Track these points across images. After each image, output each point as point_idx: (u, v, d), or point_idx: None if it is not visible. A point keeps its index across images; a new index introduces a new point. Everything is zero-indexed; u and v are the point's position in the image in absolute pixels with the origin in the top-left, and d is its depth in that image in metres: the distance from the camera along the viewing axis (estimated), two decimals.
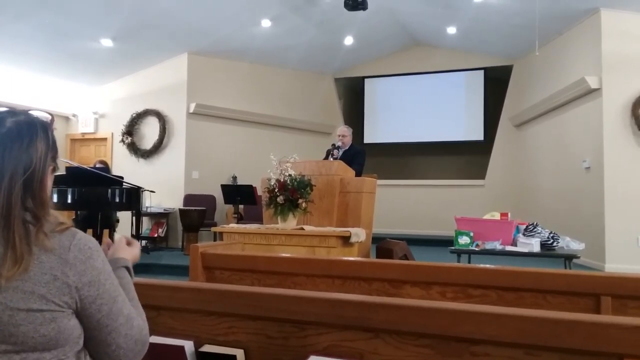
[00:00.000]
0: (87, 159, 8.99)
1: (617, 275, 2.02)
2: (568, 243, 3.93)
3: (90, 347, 1.09)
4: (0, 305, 0.98)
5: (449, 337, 1.29)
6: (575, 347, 1.17)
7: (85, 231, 1.12)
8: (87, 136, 9.32)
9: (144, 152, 8.62)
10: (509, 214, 4.25)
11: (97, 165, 7.37)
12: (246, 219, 7.55)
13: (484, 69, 9.67)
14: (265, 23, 7.72)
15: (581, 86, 6.64)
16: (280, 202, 4.00)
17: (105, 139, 9.18)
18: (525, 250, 3.83)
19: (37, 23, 6.71)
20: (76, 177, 6.66)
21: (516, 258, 4.32)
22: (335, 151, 5.37)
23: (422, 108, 10.08)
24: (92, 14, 6.72)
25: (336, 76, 10.49)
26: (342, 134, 5.54)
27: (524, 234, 3.98)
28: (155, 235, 8.19)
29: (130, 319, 1.11)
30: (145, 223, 8.12)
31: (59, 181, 6.45)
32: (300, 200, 4.01)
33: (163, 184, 8.23)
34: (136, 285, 1.25)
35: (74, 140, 9.48)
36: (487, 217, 4.26)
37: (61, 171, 6.81)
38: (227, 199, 7.27)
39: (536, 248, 3.83)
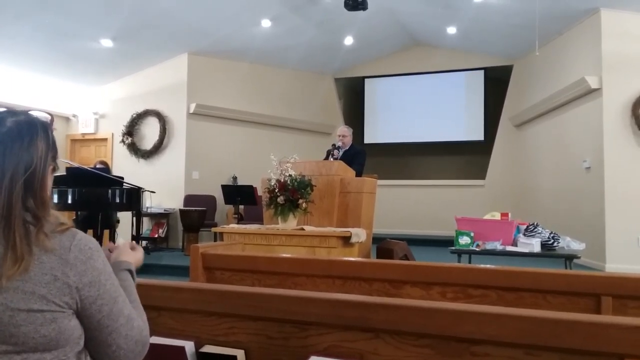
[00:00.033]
0: (88, 159, 8.99)
1: (617, 276, 2.02)
2: (568, 243, 3.93)
3: (91, 347, 1.09)
4: (0, 305, 0.98)
5: (449, 337, 1.29)
6: (576, 347, 1.17)
7: (85, 232, 1.12)
8: (87, 136, 9.32)
9: (144, 152, 8.62)
10: (510, 214, 4.25)
11: (98, 166, 7.37)
12: (246, 220, 7.55)
13: (484, 69, 9.67)
14: (265, 23, 7.72)
15: (581, 86, 6.64)
16: (281, 203, 4.00)
17: (105, 140, 9.18)
18: (525, 250, 3.83)
19: (36, 23, 6.71)
20: (76, 177, 6.66)
21: (516, 258, 4.33)
22: (336, 151, 5.37)
23: (423, 108, 10.08)
24: (92, 14, 6.72)
25: (336, 76, 10.50)
26: (342, 134, 5.54)
27: (524, 234, 3.98)
28: (156, 235, 8.19)
29: (130, 320, 1.11)
30: (146, 223, 8.12)
31: (59, 182, 6.45)
32: (300, 201, 4.01)
33: (163, 184, 8.23)
34: (137, 285, 1.25)
35: (74, 141, 9.49)
36: (487, 217, 4.26)
37: (61, 172, 6.81)
38: (228, 200, 7.27)
39: (536, 248, 3.83)
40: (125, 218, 7.53)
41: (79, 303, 1.04)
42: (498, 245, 3.89)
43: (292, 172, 4.09)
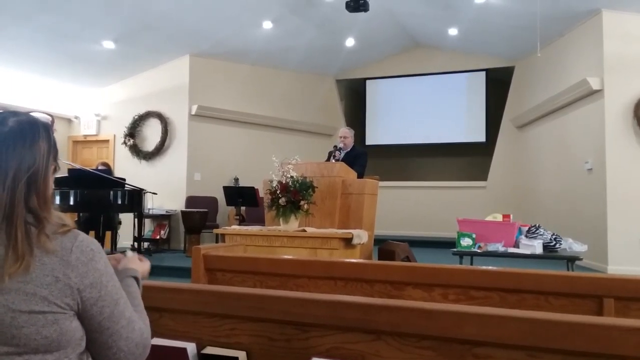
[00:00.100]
0: (89, 161, 9.01)
1: (619, 277, 2.02)
2: (570, 245, 3.92)
3: (92, 349, 1.09)
4: (2, 307, 0.98)
5: (451, 339, 1.29)
6: (578, 349, 1.17)
7: (87, 233, 1.12)
8: (89, 138, 9.34)
9: (146, 154, 8.63)
10: (511, 216, 4.25)
11: (100, 167, 7.39)
12: (248, 221, 7.55)
13: (486, 70, 9.67)
14: (267, 25, 7.73)
15: (583, 87, 6.63)
16: (282, 204, 4.00)
17: (107, 141, 9.20)
18: (527, 252, 3.82)
19: (37, 25, 6.73)
20: (78, 179, 6.67)
21: (518, 260, 4.32)
22: (337, 153, 5.37)
23: (424, 109, 10.08)
24: (93, 16, 6.74)
25: (337, 78, 10.50)
26: (344, 135, 5.54)
27: (526, 236, 3.97)
28: (157, 237, 8.20)
29: (131, 322, 1.11)
30: (148, 225, 8.13)
31: (61, 183, 6.46)
32: (302, 202, 4.01)
33: (165, 185, 8.24)
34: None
35: (76, 143, 9.50)
36: (489, 218, 4.25)
37: (63, 173, 6.83)
38: (229, 201, 7.27)
39: (538, 250, 3.82)
40: (127, 219, 7.54)
41: (80, 304, 1.04)
42: (500, 247, 3.89)
43: (294, 174, 4.09)
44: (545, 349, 1.20)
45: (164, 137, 8.49)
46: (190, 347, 1.52)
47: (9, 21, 6.53)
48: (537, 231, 3.96)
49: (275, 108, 9.46)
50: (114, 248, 7.25)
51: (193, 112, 8.42)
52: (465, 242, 3.99)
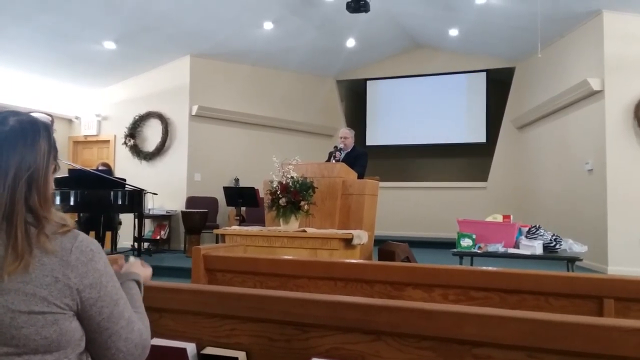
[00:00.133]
0: (90, 161, 9.01)
1: (620, 278, 2.01)
2: (571, 245, 3.92)
3: (91, 349, 1.09)
4: (2, 307, 0.98)
5: (451, 339, 1.29)
6: (578, 350, 1.17)
7: (87, 233, 1.12)
8: (89, 138, 9.34)
9: (146, 154, 8.64)
10: (511, 216, 4.24)
11: (100, 168, 7.39)
12: (248, 221, 7.55)
13: (486, 71, 9.67)
14: (267, 25, 7.74)
15: (583, 88, 6.63)
16: (283, 205, 4.00)
17: (107, 142, 9.20)
18: (527, 252, 3.82)
19: (38, 25, 6.73)
20: (79, 179, 6.68)
21: (518, 260, 4.32)
22: (338, 153, 5.37)
23: (424, 110, 10.08)
24: (94, 16, 6.74)
25: (338, 78, 10.50)
26: (344, 136, 5.54)
27: (526, 237, 3.97)
28: (158, 237, 8.20)
29: (131, 323, 1.11)
30: (148, 225, 8.14)
31: (61, 183, 6.47)
32: (302, 203, 4.01)
33: (165, 186, 8.24)
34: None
35: (76, 143, 9.51)
36: (489, 219, 4.25)
37: (64, 173, 6.83)
38: (229, 201, 7.28)
39: (539, 250, 3.82)
40: (127, 220, 7.54)
41: (79, 305, 1.04)
42: (500, 248, 3.89)
43: (294, 174, 4.09)
44: (545, 350, 1.20)
45: (165, 137, 8.49)
46: (190, 348, 1.53)
47: (9, 21, 6.53)
48: (537, 232, 3.96)
49: (276, 108, 9.47)
50: (114, 248, 7.26)
51: (193, 113, 8.43)
52: (466, 242, 3.99)
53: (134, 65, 8.48)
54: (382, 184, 5.39)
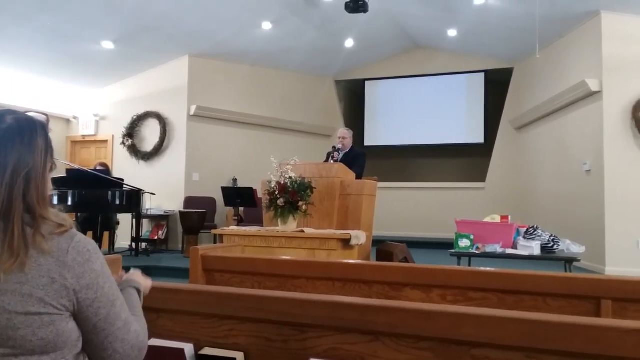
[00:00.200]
0: (88, 161, 9.00)
1: (617, 279, 2.02)
2: (568, 246, 3.92)
3: (88, 350, 1.09)
4: None
5: (449, 340, 1.29)
6: (576, 351, 1.17)
7: (85, 234, 1.12)
8: (87, 138, 9.33)
9: (144, 154, 8.63)
10: (509, 217, 4.25)
11: (98, 168, 7.38)
12: (246, 222, 7.55)
13: (485, 71, 9.67)
14: (266, 25, 7.74)
15: (582, 89, 6.64)
16: (281, 205, 4.00)
17: (105, 141, 9.19)
18: (525, 253, 3.83)
19: (37, 25, 6.72)
20: (77, 179, 6.67)
21: (516, 261, 4.32)
22: (336, 153, 5.37)
23: (423, 110, 10.08)
24: (93, 16, 6.73)
25: (337, 79, 10.51)
26: (343, 136, 5.54)
27: (524, 237, 3.98)
28: (156, 237, 8.19)
29: (127, 324, 1.11)
30: (146, 225, 8.12)
31: (59, 183, 6.46)
32: (300, 203, 4.01)
33: (163, 186, 8.23)
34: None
35: (74, 143, 9.49)
36: (487, 219, 4.26)
37: (62, 173, 6.82)
38: (228, 202, 7.27)
39: (537, 251, 3.82)
40: (125, 220, 7.53)
41: (76, 305, 1.04)
42: (498, 248, 3.89)
43: (292, 175, 4.09)
44: (543, 350, 1.20)
45: (163, 137, 8.48)
46: (188, 348, 1.52)
47: (9, 21, 6.52)
48: (535, 232, 3.97)
49: (274, 109, 9.46)
50: (112, 248, 7.25)
51: (192, 113, 8.42)
52: (464, 243, 3.99)
53: (132, 65, 8.47)
54: (380, 184, 5.39)
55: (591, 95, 6.58)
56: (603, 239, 6.20)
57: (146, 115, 8.66)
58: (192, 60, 8.46)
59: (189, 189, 8.40)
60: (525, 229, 4.06)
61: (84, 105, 9.27)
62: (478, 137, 9.78)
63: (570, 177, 7.19)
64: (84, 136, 9.33)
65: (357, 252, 3.99)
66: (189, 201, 8.26)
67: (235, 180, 8.64)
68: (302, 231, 3.95)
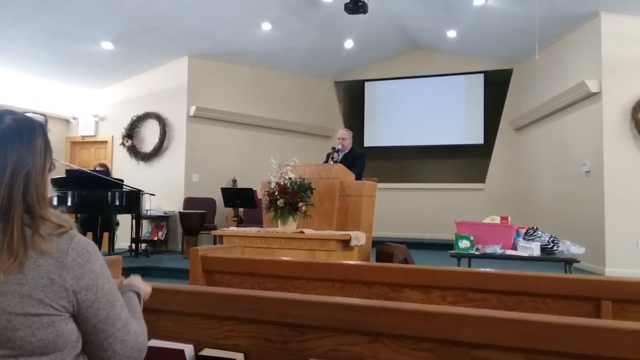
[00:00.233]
0: (87, 162, 9.00)
1: (617, 280, 2.02)
2: (568, 247, 3.92)
3: (87, 351, 1.09)
4: None
5: (449, 341, 1.29)
6: (576, 352, 1.17)
7: (85, 234, 1.12)
8: (87, 139, 9.32)
9: (144, 155, 8.62)
10: (509, 218, 4.25)
11: (97, 169, 7.38)
12: (246, 222, 7.54)
13: (484, 72, 9.68)
14: (266, 26, 7.74)
15: (581, 90, 6.65)
16: (280, 206, 4.00)
17: (105, 142, 9.19)
18: (525, 254, 3.82)
19: (36, 26, 6.72)
20: (76, 180, 6.66)
21: (516, 262, 4.32)
22: (336, 154, 5.37)
23: (423, 111, 10.09)
24: (92, 17, 6.73)
25: (336, 79, 10.51)
26: (342, 137, 5.54)
27: (524, 238, 3.97)
28: (155, 238, 8.18)
29: (127, 325, 1.10)
30: (145, 226, 8.12)
31: (59, 184, 6.45)
32: (300, 204, 4.01)
33: (163, 187, 8.23)
34: None
35: (74, 143, 9.49)
36: (487, 220, 4.25)
37: (61, 174, 6.82)
38: (227, 202, 7.27)
39: (536, 252, 3.82)
40: (124, 221, 7.53)
41: (75, 306, 1.04)
42: (498, 249, 3.89)
43: (292, 175, 4.09)
44: (542, 351, 1.20)
45: (162, 138, 8.48)
46: (188, 349, 1.52)
47: (9, 22, 6.52)
48: (535, 233, 3.97)
49: (274, 109, 9.46)
50: (111, 249, 7.25)
51: (191, 113, 8.42)
52: (463, 244, 3.99)
53: (132, 65, 8.47)
54: (380, 185, 5.39)
55: (591, 96, 6.59)
56: (603, 240, 6.21)
57: (146, 116, 8.66)
58: (191, 60, 8.46)
59: (189, 189, 8.40)
60: (525, 230, 4.06)
61: (83, 105, 9.27)
62: (478, 138, 9.79)
63: (569, 178, 7.19)
64: (83, 137, 9.32)
65: (357, 253, 3.99)
66: (189, 202, 8.26)
67: (234, 181, 8.64)
68: (302, 232, 3.95)
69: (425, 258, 6.26)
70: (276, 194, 4.03)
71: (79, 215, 6.78)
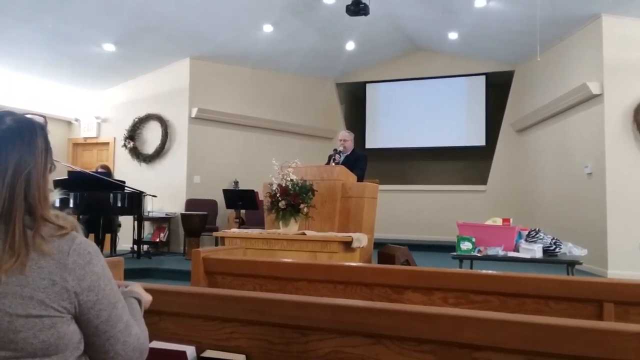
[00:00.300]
0: (89, 163, 9.01)
1: (619, 282, 2.01)
2: (570, 249, 3.92)
3: (89, 352, 1.09)
4: None
5: (451, 343, 1.28)
6: (578, 354, 1.17)
7: (87, 236, 1.12)
8: (89, 141, 9.34)
9: (146, 156, 8.64)
10: (511, 220, 4.24)
11: (99, 170, 7.39)
12: (248, 224, 7.54)
13: (486, 74, 9.68)
14: (267, 28, 7.75)
15: (583, 92, 6.64)
16: (282, 207, 4.00)
17: (107, 144, 9.20)
18: (527, 256, 3.82)
19: (38, 27, 6.74)
20: (78, 181, 6.67)
21: (518, 264, 4.32)
22: (337, 156, 5.37)
23: (424, 113, 10.09)
24: (94, 18, 6.75)
25: (338, 81, 10.52)
26: (344, 138, 5.54)
27: (526, 240, 3.97)
28: (157, 240, 8.19)
29: (129, 327, 1.11)
30: (147, 228, 8.13)
31: (61, 185, 6.46)
32: (302, 205, 4.01)
33: (165, 188, 8.24)
34: None
35: (76, 145, 9.50)
36: (489, 222, 4.25)
37: (63, 175, 6.83)
38: (229, 204, 7.27)
39: (538, 254, 3.82)
40: (126, 222, 7.53)
41: (77, 308, 1.04)
42: (500, 251, 3.89)
43: (294, 177, 4.09)
44: (545, 354, 1.20)
45: (164, 139, 8.49)
46: (190, 351, 1.52)
47: (10, 23, 6.54)
48: (537, 235, 3.96)
49: (276, 111, 9.47)
50: (113, 251, 7.25)
51: (193, 115, 8.43)
52: (465, 246, 3.99)
53: (133, 67, 8.48)
54: (381, 186, 5.39)
55: (592, 98, 6.58)
56: (605, 242, 6.19)
57: (147, 118, 8.67)
58: (193, 62, 8.48)
59: (191, 191, 8.41)
60: (527, 232, 4.06)
61: (85, 107, 9.29)
62: (479, 140, 9.79)
63: (571, 180, 7.18)
64: (85, 138, 9.34)
65: (359, 255, 3.99)
66: (191, 203, 8.26)
67: (236, 182, 8.64)
68: (304, 234, 3.95)
69: (427, 260, 6.26)
70: (278, 195, 4.03)
71: (80, 216, 6.79)
